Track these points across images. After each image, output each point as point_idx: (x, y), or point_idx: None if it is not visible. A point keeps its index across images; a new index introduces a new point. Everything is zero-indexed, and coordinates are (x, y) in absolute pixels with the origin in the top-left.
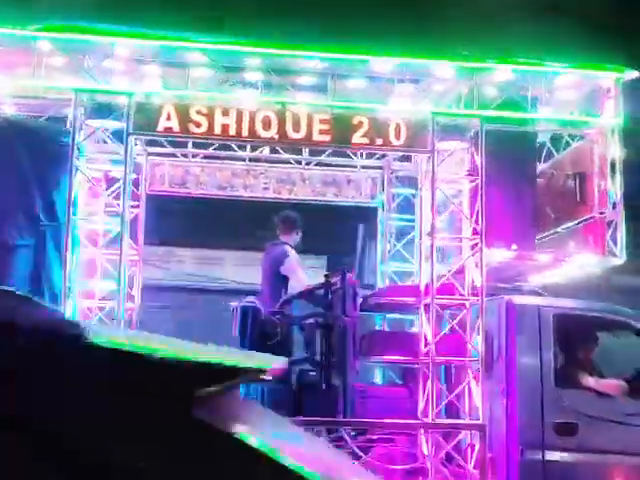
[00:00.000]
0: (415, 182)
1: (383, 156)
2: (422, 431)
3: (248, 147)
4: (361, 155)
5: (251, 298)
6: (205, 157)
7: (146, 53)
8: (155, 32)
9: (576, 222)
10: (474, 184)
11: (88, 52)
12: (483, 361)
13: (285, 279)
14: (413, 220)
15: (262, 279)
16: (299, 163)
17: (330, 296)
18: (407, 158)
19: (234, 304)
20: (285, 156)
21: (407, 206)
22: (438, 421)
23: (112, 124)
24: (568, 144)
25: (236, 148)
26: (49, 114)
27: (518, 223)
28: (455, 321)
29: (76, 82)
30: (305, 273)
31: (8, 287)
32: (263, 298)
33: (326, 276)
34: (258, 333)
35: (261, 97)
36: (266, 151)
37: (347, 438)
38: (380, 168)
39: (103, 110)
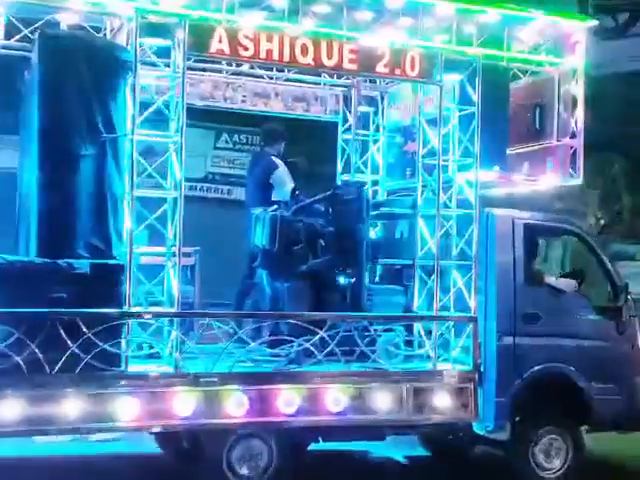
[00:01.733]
0: (375, 102)
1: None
2: (420, 323)
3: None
4: (330, 75)
5: (273, 207)
6: (189, 68)
7: None
8: None
9: (534, 146)
10: (466, 112)
11: None
12: (476, 262)
13: (271, 188)
14: (370, 135)
15: (249, 187)
16: (271, 78)
17: (339, 206)
18: (372, 80)
19: (257, 212)
20: (259, 72)
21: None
22: (439, 314)
23: (165, 42)
24: (518, 77)
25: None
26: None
27: (496, 147)
28: (444, 229)
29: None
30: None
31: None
32: (250, 206)
33: (334, 188)
34: (286, 239)
35: (300, 27)
36: (245, 66)
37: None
38: (346, 87)
39: (153, 30)
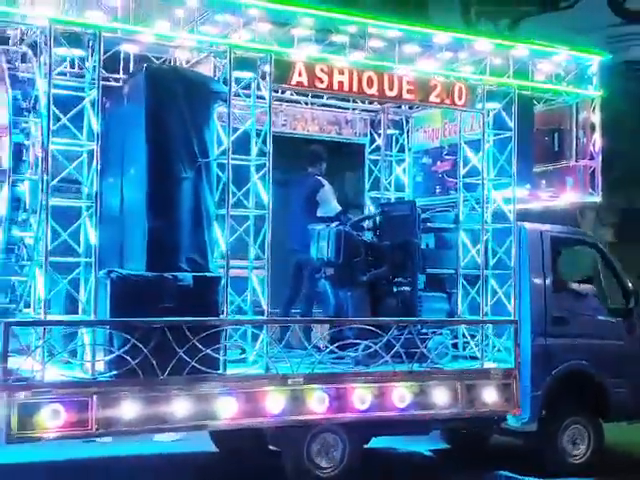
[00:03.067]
0: (399, 125)
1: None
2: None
3: None
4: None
5: (335, 223)
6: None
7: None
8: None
9: (552, 166)
10: (502, 136)
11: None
12: (515, 271)
13: (317, 205)
14: (394, 155)
15: (294, 205)
16: (306, 104)
17: (393, 222)
18: (398, 106)
19: (320, 228)
20: (295, 97)
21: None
22: (484, 318)
23: (248, 75)
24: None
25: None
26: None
27: (524, 167)
28: (481, 242)
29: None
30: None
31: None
32: (296, 222)
33: (383, 206)
34: (348, 252)
35: (368, 61)
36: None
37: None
38: (374, 112)
39: (239, 64)
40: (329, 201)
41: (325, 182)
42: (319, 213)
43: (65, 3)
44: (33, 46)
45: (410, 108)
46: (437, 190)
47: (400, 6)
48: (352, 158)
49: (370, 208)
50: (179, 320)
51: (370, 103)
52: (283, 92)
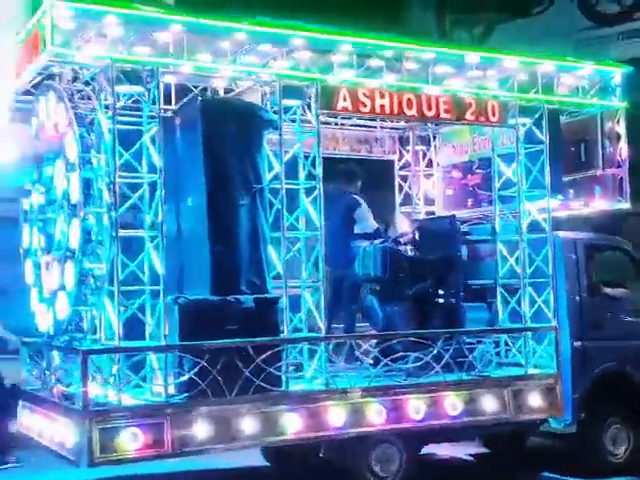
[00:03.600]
0: (427, 141)
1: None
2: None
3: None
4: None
5: (379, 240)
6: None
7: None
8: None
9: (579, 175)
10: (533, 149)
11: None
12: (553, 279)
13: (354, 223)
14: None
15: (331, 222)
16: (336, 124)
17: (435, 237)
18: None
19: (365, 245)
20: (326, 119)
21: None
22: (526, 325)
23: (298, 102)
24: None
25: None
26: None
27: (555, 178)
28: (517, 253)
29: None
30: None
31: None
32: (334, 240)
33: (421, 222)
34: (394, 268)
35: (408, 84)
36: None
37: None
38: (402, 129)
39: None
40: (366, 218)
41: (361, 200)
42: (357, 230)
43: (119, 42)
44: (89, 83)
45: (436, 125)
46: (469, 203)
47: (375, 17)
48: (382, 175)
49: (403, 223)
50: (245, 341)
51: (397, 121)
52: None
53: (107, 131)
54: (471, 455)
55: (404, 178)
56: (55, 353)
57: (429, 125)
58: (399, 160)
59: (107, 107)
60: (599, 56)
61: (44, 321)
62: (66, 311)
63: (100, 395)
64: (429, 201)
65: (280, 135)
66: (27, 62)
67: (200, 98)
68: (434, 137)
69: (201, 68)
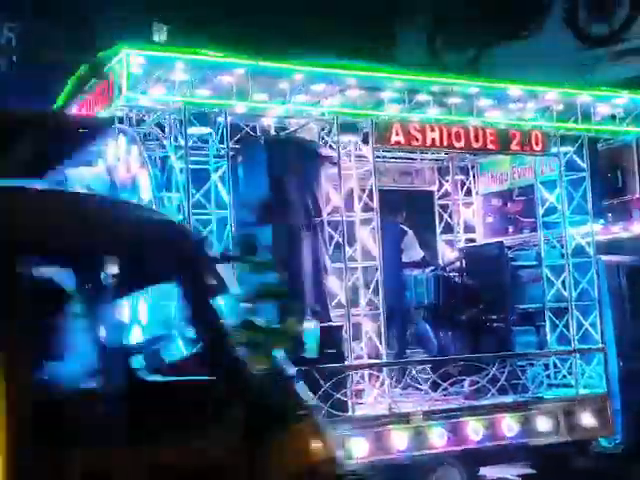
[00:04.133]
0: (465, 171)
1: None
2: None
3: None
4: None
5: (430, 268)
6: None
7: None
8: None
9: (615, 200)
10: (575, 177)
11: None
12: (600, 303)
13: (401, 251)
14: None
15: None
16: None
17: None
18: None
19: (416, 272)
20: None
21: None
22: (575, 347)
23: (354, 138)
24: None
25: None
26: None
27: (596, 203)
28: (562, 277)
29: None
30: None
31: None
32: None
33: (460, 250)
34: (447, 295)
35: (457, 117)
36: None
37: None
38: (441, 160)
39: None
40: (413, 247)
41: (408, 229)
42: (404, 259)
43: (185, 86)
44: (159, 125)
45: (474, 155)
46: (510, 230)
47: (366, 40)
48: (422, 205)
49: (446, 251)
50: (315, 368)
51: (437, 153)
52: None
53: (179, 171)
54: (518, 476)
55: (443, 207)
56: None
57: (467, 156)
58: (438, 190)
59: (176, 147)
60: (592, 77)
61: None
62: None
63: None
64: (469, 229)
65: (339, 170)
66: (99, 106)
67: (264, 137)
68: (472, 167)
69: (257, 109)
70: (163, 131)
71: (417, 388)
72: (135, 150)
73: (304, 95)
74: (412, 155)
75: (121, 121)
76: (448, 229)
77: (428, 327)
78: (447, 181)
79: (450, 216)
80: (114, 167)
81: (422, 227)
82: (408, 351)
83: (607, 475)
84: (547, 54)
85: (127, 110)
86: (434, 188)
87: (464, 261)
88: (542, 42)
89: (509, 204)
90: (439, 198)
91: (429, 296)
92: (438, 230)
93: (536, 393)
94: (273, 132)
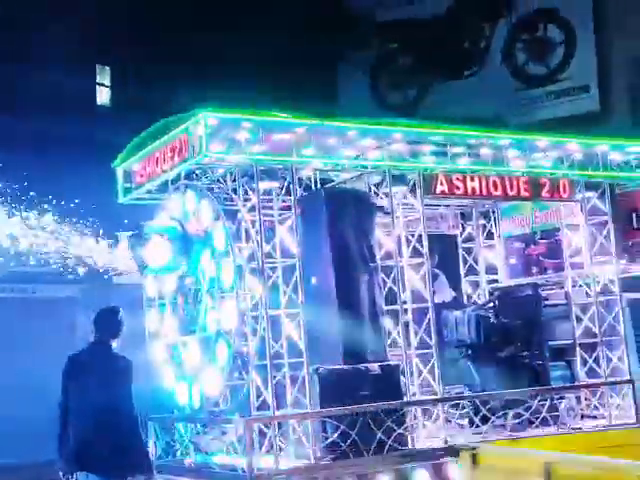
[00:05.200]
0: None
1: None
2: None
3: None
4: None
5: (471, 308)
6: None
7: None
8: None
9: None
10: (596, 221)
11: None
12: (626, 337)
13: (433, 294)
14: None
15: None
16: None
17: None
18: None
19: (458, 314)
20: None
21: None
22: (608, 380)
23: (403, 188)
24: None
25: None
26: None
27: (617, 244)
28: (589, 313)
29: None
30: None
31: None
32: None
33: (493, 290)
34: (488, 333)
35: (492, 167)
36: None
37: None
38: (464, 206)
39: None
40: (444, 289)
41: (439, 272)
42: (436, 300)
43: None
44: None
45: (494, 201)
46: (534, 270)
47: (310, 83)
48: (447, 248)
49: (469, 291)
50: (376, 405)
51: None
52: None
53: (250, 224)
54: None
55: (466, 250)
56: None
57: (489, 201)
58: (461, 234)
59: (245, 200)
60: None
61: (183, 396)
62: (218, 386)
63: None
64: (491, 270)
65: (393, 218)
66: (169, 164)
67: (322, 189)
68: (493, 211)
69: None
70: (226, 184)
71: (461, 424)
72: (206, 203)
73: (350, 149)
74: (436, 202)
75: (187, 177)
76: (471, 271)
77: (470, 364)
78: (469, 225)
79: (473, 259)
80: (185, 220)
81: (449, 269)
82: (448, 387)
83: None
84: (487, 93)
85: (195, 167)
86: (457, 232)
87: (498, 301)
88: (483, 81)
89: (532, 246)
90: (463, 242)
91: (470, 334)
92: (462, 272)
93: (575, 425)
94: (320, 185)
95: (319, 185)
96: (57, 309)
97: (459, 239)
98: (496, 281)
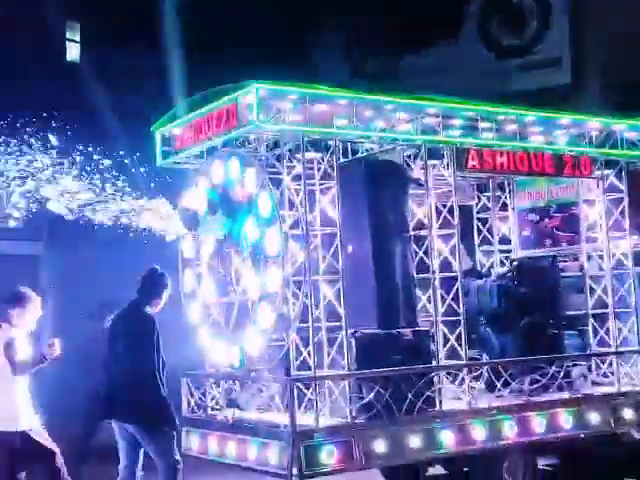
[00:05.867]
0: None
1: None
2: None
3: None
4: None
5: (493, 277)
6: None
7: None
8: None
9: None
10: (612, 197)
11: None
12: (636, 310)
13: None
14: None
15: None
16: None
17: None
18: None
19: (480, 282)
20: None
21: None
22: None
23: (437, 162)
24: None
25: None
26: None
27: (632, 220)
28: (602, 285)
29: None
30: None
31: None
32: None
33: (512, 261)
34: (508, 302)
35: (520, 142)
36: None
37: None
38: (482, 178)
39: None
40: (464, 257)
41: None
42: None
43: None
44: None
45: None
46: (547, 243)
47: (284, 54)
48: (463, 218)
49: (483, 261)
50: (408, 369)
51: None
52: None
53: (294, 192)
54: (547, 465)
55: (481, 221)
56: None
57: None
58: (477, 205)
59: (289, 169)
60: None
61: (222, 355)
62: (259, 346)
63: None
64: (504, 241)
65: (427, 190)
66: (215, 131)
67: (364, 160)
68: (509, 184)
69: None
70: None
71: (488, 387)
72: (252, 171)
73: (382, 121)
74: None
75: (224, 145)
76: (485, 242)
77: (490, 332)
78: (485, 197)
79: (488, 229)
80: (227, 186)
81: (465, 239)
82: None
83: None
84: (464, 63)
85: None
86: (473, 203)
87: (518, 271)
88: (460, 50)
89: (546, 219)
90: (477, 212)
91: (492, 303)
92: (477, 242)
93: (587, 390)
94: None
95: (351, 156)
96: None
97: (474, 210)
98: (509, 251)
